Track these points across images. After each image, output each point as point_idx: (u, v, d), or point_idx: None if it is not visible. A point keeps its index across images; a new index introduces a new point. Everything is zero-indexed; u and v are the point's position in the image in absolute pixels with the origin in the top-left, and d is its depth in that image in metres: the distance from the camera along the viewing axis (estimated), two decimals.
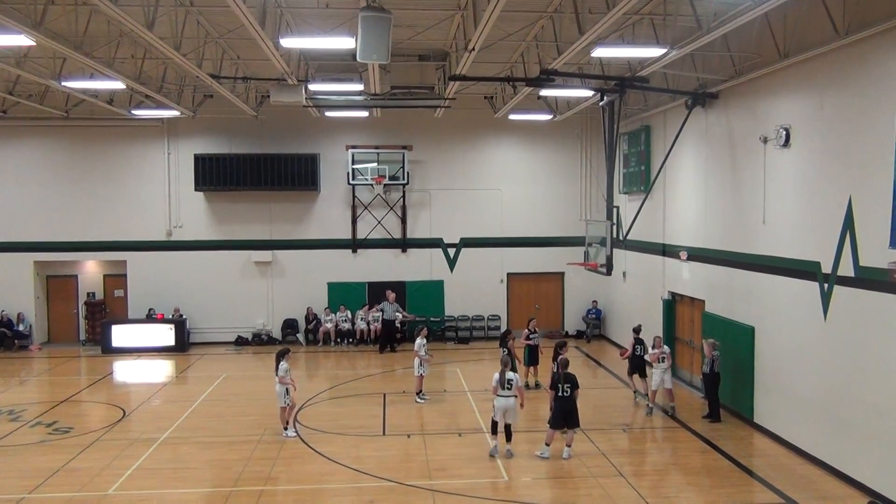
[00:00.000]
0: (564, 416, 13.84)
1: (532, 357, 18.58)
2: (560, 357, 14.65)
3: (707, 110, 17.77)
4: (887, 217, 11.12)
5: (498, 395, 13.86)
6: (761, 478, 12.98)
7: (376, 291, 25.50)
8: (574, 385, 13.87)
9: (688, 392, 18.87)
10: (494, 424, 14.13)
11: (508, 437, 14.02)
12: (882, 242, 11.29)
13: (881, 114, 11.50)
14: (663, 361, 16.59)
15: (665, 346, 16.90)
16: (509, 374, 13.90)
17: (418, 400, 17.71)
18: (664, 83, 18.83)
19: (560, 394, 13.79)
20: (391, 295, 24.51)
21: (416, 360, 17.62)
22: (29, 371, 22.21)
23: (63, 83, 17.66)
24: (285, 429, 15.24)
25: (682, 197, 19.48)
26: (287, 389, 15.14)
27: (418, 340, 17.72)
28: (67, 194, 25.05)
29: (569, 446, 13.87)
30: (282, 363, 15.19)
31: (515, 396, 13.85)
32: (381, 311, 24.50)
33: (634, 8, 12.89)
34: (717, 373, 15.94)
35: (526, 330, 18.94)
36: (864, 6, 11.77)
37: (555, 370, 14.37)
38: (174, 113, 22.11)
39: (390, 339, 24.48)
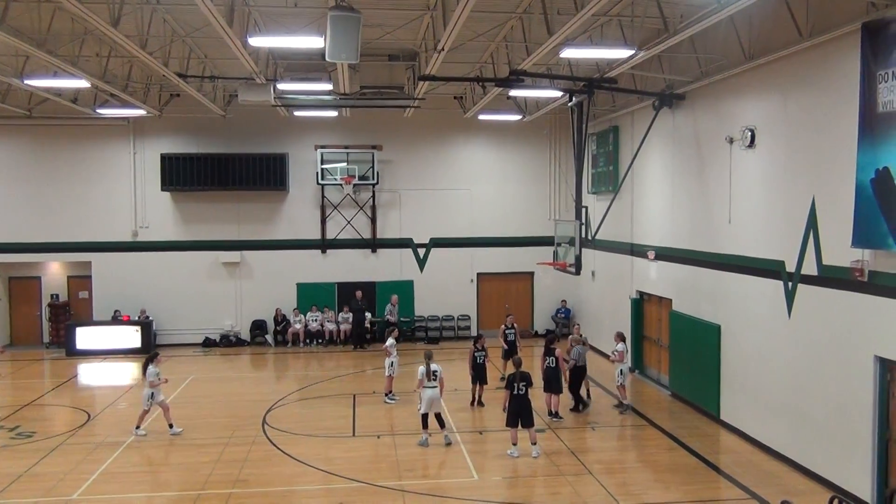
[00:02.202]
0: (519, 414, 13.93)
1: (510, 353, 18.55)
2: (514, 356, 15.05)
3: (674, 111, 17.97)
4: (849, 216, 11.37)
5: (424, 387, 14.52)
6: (727, 474, 13.15)
7: (346, 292, 25.44)
8: (529, 384, 14.06)
9: (655, 389, 19.07)
10: (424, 417, 14.60)
11: (442, 425, 14.60)
12: (844, 241, 11.53)
13: (843, 115, 11.71)
14: (621, 360, 16.79)
15: (620, 345, 16.87)
16: (433, 366, 14.61)
17: (388, 400, 17.68)
18: (632, 84, 19.02)
19: (515, 392, 13.92)
20: (359, 294, 24.69)
21: (387, 361, 17.59)
22: None
23: (26, 81, 17.33)
24: (137, 427, 15.33)
25: (650, 197, 19.68)
26: (153, 393, 15.23)
27: (390, 340, 17.73)
28: (30, 194, 24.58)
29: (535, 444, 13.95)
30: (150, 367, 15.30)
31: (436, 387, 14.56)
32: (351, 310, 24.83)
33: (603, 9, 12.98)
34: (583, 366, 16.62)
35: (503, 326, 19.06)
36: (826, 10, 11.99)
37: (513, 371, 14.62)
38: (140, 112, 21.81)
39: (361, 338, 24.57)
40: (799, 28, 12.52)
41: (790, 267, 13.30)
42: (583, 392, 17.13)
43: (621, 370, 16.75)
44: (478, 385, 17.22)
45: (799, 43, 12.58)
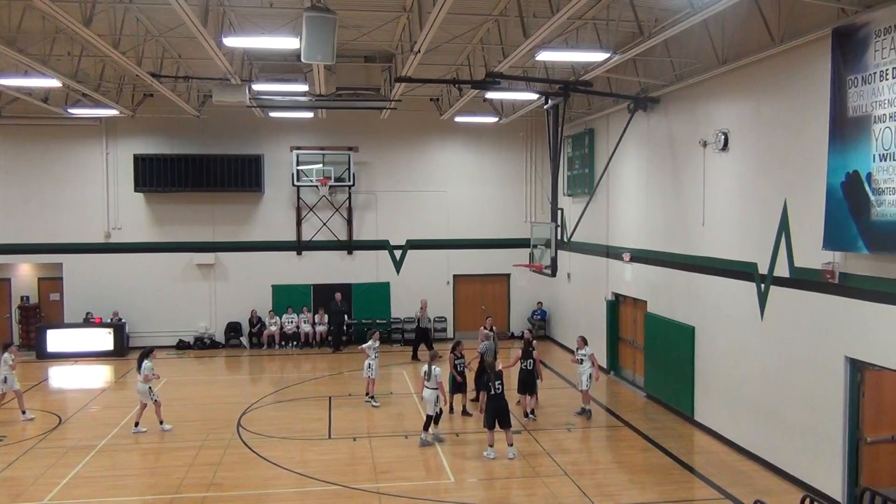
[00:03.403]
0: (496, 415, 13.96)
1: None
2: (486, 358, 15.24)
3: (649, 114, 18.10)
4: (820, 219, 11.52)
5: (424, 388, 14.76)
6: (702, 474, 13.27)
7: (322, 294, 25.34)
8: (505, 384, 14.10)
9: (630, 391, 19.19)
10: (427, 418, 14.83)
11: (434, 424, 14.81)
12: (816, 244, 11.68)
13: (814, 119, 11.87)
14: (582, 363, 16.57)
15: (585, 349, 16.72)
16: (434, 368, 14.73)
17: (373, 403, 17.57)
18: (607, 87, 19.15)
19: (492, 392, 13.94)
20: (338, 296, 24.63)
21: (366, 363, 17.50)
22: None
23: None
24: (161, 421, 15.73)
25: (625, 199, 19.80)
26: (150, 387, 15.60)
27: (370, 342, 17.60)
28: (0, 195, 24.21)
29: (511, 445, 13.99)
30: (146, 362, 15.64)
31: (436, 388, 14.63)
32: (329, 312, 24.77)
33: (578, 13, 13.04)
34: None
35: (483, 327, 18.82)
36: (797, 15, 12.14)
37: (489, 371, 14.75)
38: (113, 112, 21.56)
39: (339, 340, 24.54)
40: (771, 33, 12.68)
41: (763, 269, 13.46)
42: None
43: (590, 374, 16.47)
44: (459, 394, 16.87)
45: (771, 48, 12.73)
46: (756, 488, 12.44)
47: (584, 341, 16.90)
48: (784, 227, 12.83)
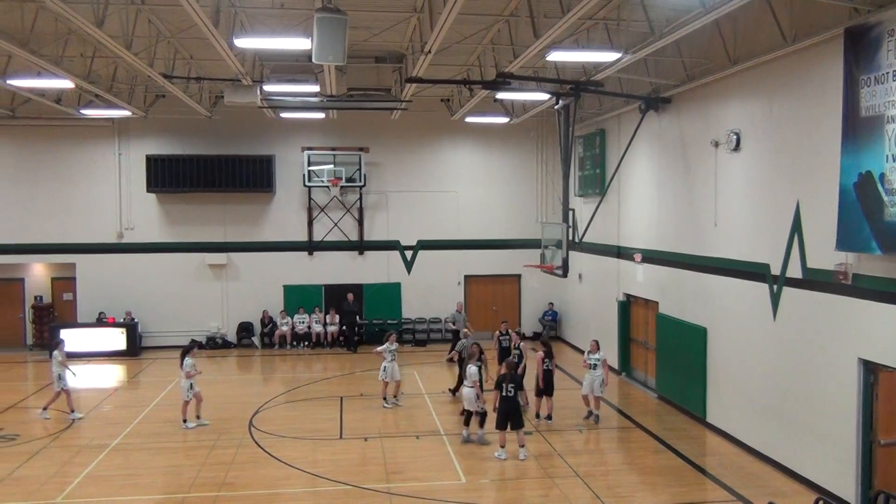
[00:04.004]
0: (507, 416, 13.95)
1: (503, 358, 18.35)
2: (507, 359, 15.22)
3: (660, 114, 18.04)
4: (833, 220, 11.45)
5: (464, 386, 15.25)
6: (714, 476, 13.22)
7: (333, 294, 25.40)
8: (518, 386, 14.12)
9: (642, 392, 19.13)
10: (464, 414, 15.05)
11: (481, 424, 14.95)
12: (828, 245, 11.61)
13: (827, 119, 11.80)
14: (594, 368, 16.23)
15: (599, 353, 16.39)
16: (470, 367, 15.11)
17: (388, 404, 17.51)
18: (618, 87, 19.09)
19: (504, 394, 13.94)
20: (350, 297, 24.72)
21: (382, 365, 17.38)
22: None
23: (8, 81, 17.19)
24: (185, 421, 15.93)
25: (637, 200, 19.74)
26: (191, 384, 15.77)
27: (386, 345, 17.45)
28: (14, 195, 24.38)
29: (522, 447, 13.97)
30: (187, 358, 15.89)
31: (472, 387, 14.94)
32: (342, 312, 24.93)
33: (589, 13, 13.01)
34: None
35: (497, 332, 18.95)
36: (809, 15, 12.07)
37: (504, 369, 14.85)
38: (125, 113, 21.66)
39: (352, 340, 24.62)
40: (783, 33, 12.61)
41: (775, 270, 13.39)
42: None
43: (602, 380, 16.21)
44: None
45: (783, 47, 12.66)
46: (768, 490, 12.39)
47: (597, 345, 16.60)
48: (797, 227, 12.76)
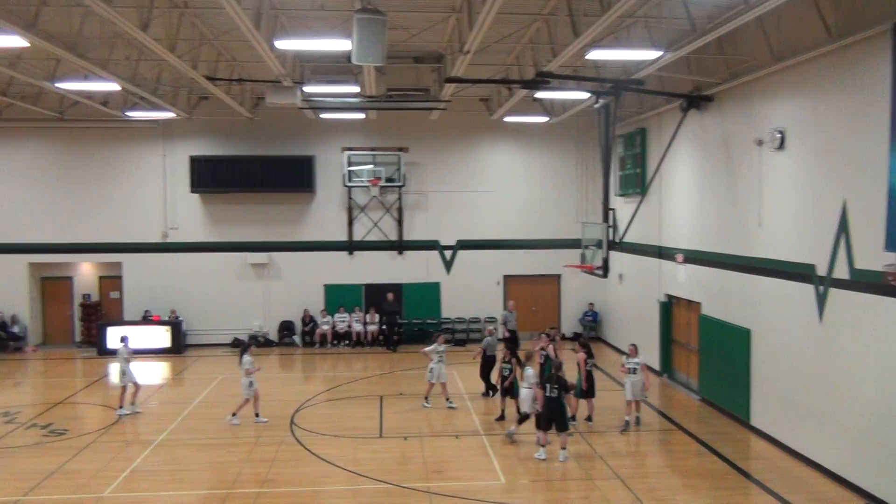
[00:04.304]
0: (551, 417, 13.90)
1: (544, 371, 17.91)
2: (554, 360, 14.91)
3: (702, 113, 17.80)
4: (882, 220, 11.18)
5: (522, 387, 15.14)
6: (758, 480, 13.00)
7: (373, 293, 25.55)
8: (563, 387, 13.99)
9: (684, 394, 18.90)
10: (522, 416, 15.02)
11: (521, 422, 15.05)
12: (877, 245, 11.33)
13: (874, 117, 11.53)
14: (634, 373, 15.87)
15: (636, 358, 15.99)
16: (527, 370, 15.02)
17: (426, 404, 17.46)
18: (659, 85, 18.88)
19: (548, 394, 13.86)
20: (391, 296, 24.90)
21: (429, 366, 17.29)
22: (24, 373, 22.19)
23: (57, 85, 17.61)
24: (256, 415, 16.30)
25: (678, 199, 19.51)
26: (251, 381, 15.97)
27: (434, 345, 17.34)
28: (62, 196, 25.00)
29: (564, 449, 13.89)
30: (245, 356, 16.19)
31: (529, 388, 14.82)
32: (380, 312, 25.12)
33: (629, 11, 12.90)
34: (492, 356, 17.82)
35: (539, 348, 17.10)
36: (856, 10, 11.82)
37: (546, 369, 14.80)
38: (169, 115, 22.06)
39: (391, 339, 24.79)
40: (828, 28, 12.36)
41: (821, 270, 13.12)
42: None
43: (643, 385, 15.91)
44: (507, 398, 16.49)
45: (828, 44, 12.41)
46: (815, 496, 12.18)
47: (635, 350, 16.24)
48: (843, 227, 12.49)
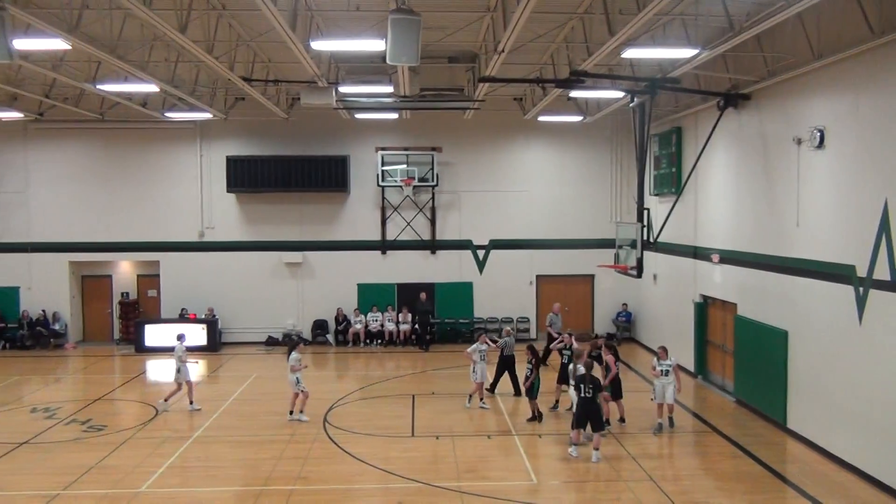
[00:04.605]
0: (587, 416, 13.85)
1: (562, 375, 17.78)
2: (586, 360, 14.75)
3: (739, 111, 17.57)
4: None
5: (571, 385, 15.31)
6: (794, 484, 12.80)
7: (406, 293, 25.62)
8: (597, 387, 13.91)
9: (719, 396, 18.67)
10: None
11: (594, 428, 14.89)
12: None
13: None
14: (666, 375, 15.63)
15: (668, 360, 15.78)
16: (579, 368, 14.68)
17: (467, 404, 17.45)
18: (695, 84, 18.65)
19: (583, 394, 13.78)
20: (423, 296, 25.02)
21: (472, 366, 17.24)
22: (64, 369, 22.61)
23: (98, 86, 17.94)
24: (301, 411, 16.47)
25: (714, 199, 19.28)
26: (297, 378, 16.24)
27: (476, 345, 17.33)
28: (102, 196, 25.46)
29: (597, 449, 13.80)
30: (293, 353, 16.50)
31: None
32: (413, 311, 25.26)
33: (665, 8, 12.77)
34: (510, 355, 17.93)
35: (569, 333, 17.68)
36: None
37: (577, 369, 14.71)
38: (206, 115, 22.35)
39: (424, 339, 24.81)
40: (870, 25, 12.12)
41: (861, 272, 12.87)
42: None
43: (674, 387, 15.67)
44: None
45: (870, 40, 12.17)
46: (853, 500, 11.96)
47: (665, 352, 16.01)
48: (885, 227, 12.24)
